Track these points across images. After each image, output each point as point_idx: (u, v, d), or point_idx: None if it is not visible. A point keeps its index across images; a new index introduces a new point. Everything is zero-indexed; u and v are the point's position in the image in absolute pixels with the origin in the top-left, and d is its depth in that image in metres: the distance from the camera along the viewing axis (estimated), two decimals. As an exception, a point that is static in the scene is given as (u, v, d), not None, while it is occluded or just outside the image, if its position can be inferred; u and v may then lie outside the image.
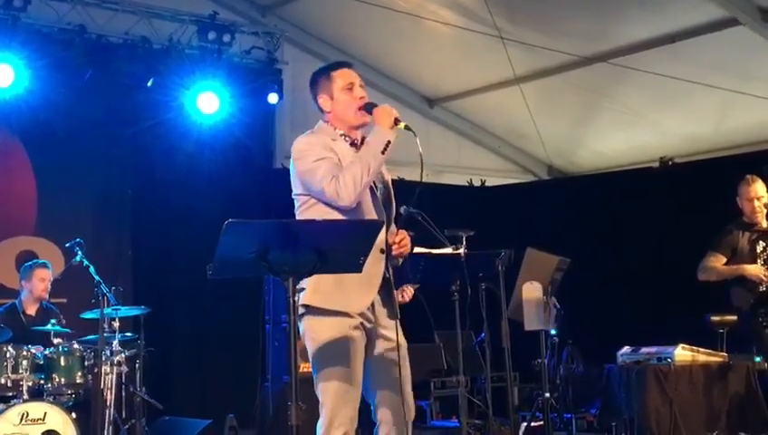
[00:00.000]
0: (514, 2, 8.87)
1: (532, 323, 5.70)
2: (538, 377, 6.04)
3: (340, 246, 3.29)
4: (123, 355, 6.77)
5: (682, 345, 6.28)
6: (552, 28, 9.05)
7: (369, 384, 3.70)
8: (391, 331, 3.73)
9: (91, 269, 6.71)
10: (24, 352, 6.32)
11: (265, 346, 7.90)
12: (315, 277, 3.52)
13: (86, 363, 6.57)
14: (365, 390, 3.69)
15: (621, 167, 10.86)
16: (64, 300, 7.47)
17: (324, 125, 3.84)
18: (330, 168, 3.61)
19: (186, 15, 8.84)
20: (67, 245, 6.92)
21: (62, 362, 6.47)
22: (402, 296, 6.29)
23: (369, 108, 3.75)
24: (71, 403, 6.47)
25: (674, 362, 6.14)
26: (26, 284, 7.06)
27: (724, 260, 6.23)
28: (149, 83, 8.54)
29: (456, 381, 6.36)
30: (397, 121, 3.66)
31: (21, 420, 5.97)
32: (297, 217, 3.74)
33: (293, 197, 3.79)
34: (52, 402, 6.20)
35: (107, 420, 6.47)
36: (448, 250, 5.42)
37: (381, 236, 3.58)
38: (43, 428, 6.03)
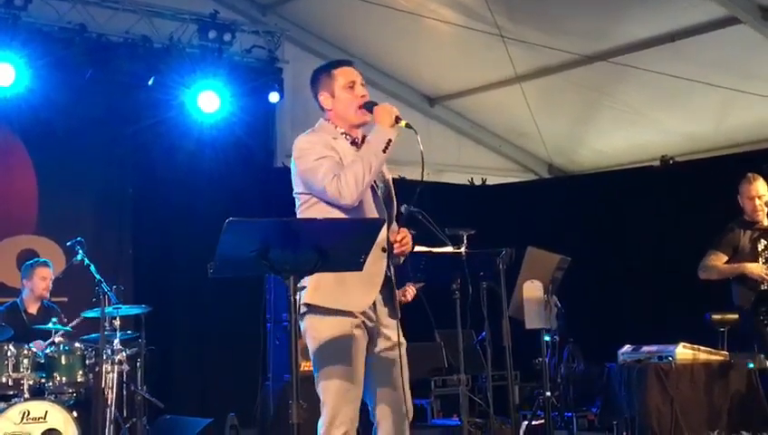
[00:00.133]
0: (515, 0, 8.87)
1: (532, 321, 5.70)
2: (539, 376, 6.04)
3: (340, 244, 3.29)
4: (124, 354, 6.77)
5: (683, 344, 6.28)
6: (553, 27, 9.05)
7: (368, 383, 3.70)
8: (392, 330, 3.73)
9: (92, 268, 6.71)
10: (25, 351, 6.33)
11: (266, 345, 7.90)
12: (316, 276, 3.52)
13: (87, 362, 6.57)
14: (364, 389, 3.69)
15: (622, 165, 10.86)
16: (65, 299, 7.47)
17: (325, 123, 3.84)
18: (331, 166, 3.61)
19: (186, 14, 8.84)
20: (68, 243, 6.92)
21: (63, 361, 6.47)
22: (404, 295, 6.30)
23: (369, 106, 3.75)
24: (72, 402, 6.47)
25: (675, 360, 6.13)
26: (27, 282, 7.06)
27: (726, 259, 6.22)
28: (150, 82, 8.54)
29: (456, 379, 6.36)
30: (397, 120, 3.66)
31: (22, 418, 5.97)
32: (298, 216, 3.74)
33: (294, 195, 3.79)
34: (53, 401, 6.21)
35: (108, 418, 6.48)
36: (449, 249, 5.43)
37: (382, 234, 3.58)
38: (44, 426, 6.03)
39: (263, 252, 3.17)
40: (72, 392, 6.54)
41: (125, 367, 6.77)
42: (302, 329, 3.67)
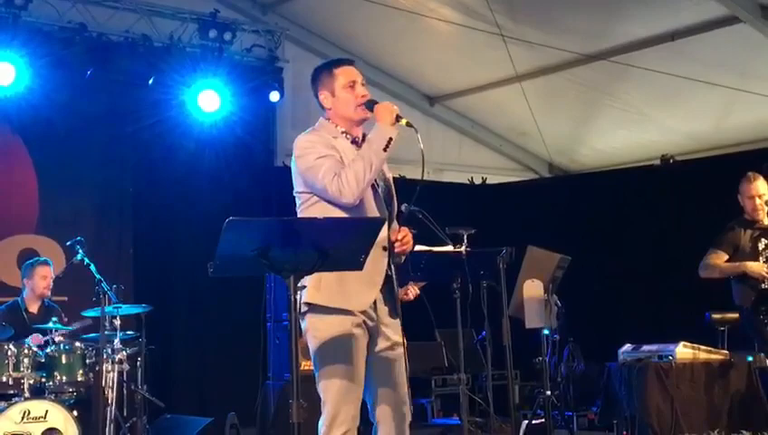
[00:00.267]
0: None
1: (532, 320, 5.70)
2: (539, 375, 6.04)
3: (341, 243, 3.29)
4: (124, 353, 6.77)
5: (683, 343, 6.28)
6: (553, 26, 9.05)
7: (368, 383, 3.70)
8: (393, 329, 3.72)
9: (92, 267, 6.71)
10: (26, 350, 6.32)
11: (266, 344, 7.91)
12: (317, 275, 3.52)
13: (87, 361, 6.57)
14: (364, 388, 3.68)
15: (622, 165, 10.86)
16: (65, 298, 7.47)
17: (325, 122, 3.84)
18: (332, 165, 3.61)
19: (186, 13, 8.84)
20: (68, 243, 6.92)
21: (64, 360, 6.48)
22: (407, 294, 6.29)
23: (370, 105, 3.75)
24: (72, 401, 6.48)
25: (675, 359, 6.13)
26: (28, 281, 7.06)
27: (726, 258, 6.21)
28: (150, 82, 8.54)
29: (457, 378, 6.36)
30: (398, 118, 3.66)
31: (22, 418, 5.97)
32: (299, 215, 3.74)
33: (295, 194, 3.78)
34: (53, 400, 6.21)
35: (108, 418, 6.47)
36: (449, 248, 5.43)
37: (383, 233, 3.58)
38: (45, 426, 6.03)
39: (263, 251, 3.17)
40: (73, 392, 6.54)
41: (125, 366, 6.76)
42: (302, 328, 3.67)
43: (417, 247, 4.25)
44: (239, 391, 8.33)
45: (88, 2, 8.36)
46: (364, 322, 3.65)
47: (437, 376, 8.50)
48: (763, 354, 6.08)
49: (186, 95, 8.74)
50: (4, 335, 6.42)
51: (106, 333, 6.49)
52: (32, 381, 6.32)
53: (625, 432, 6.25)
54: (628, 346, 6.59)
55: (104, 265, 7.06)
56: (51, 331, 6.60)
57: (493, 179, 11.10)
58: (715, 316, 7.04)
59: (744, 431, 5.73)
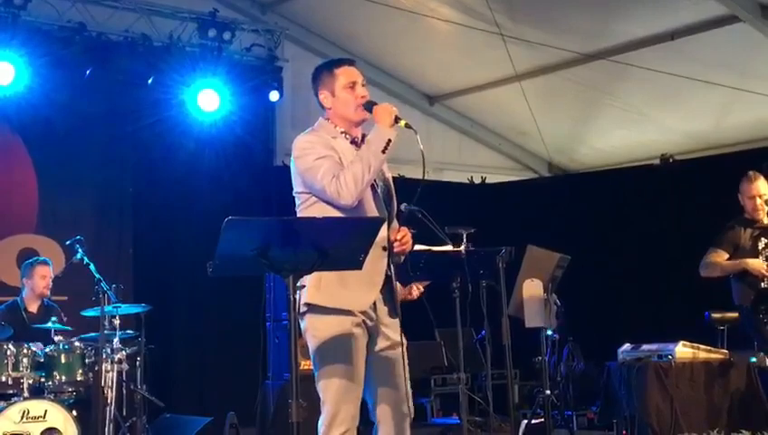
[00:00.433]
0: (515, -1, 8.89)
1: (532, 320, 5.70)
2: (539, 374, 6.04)
3: (340, 243, 3.29)
4: (124, 353, 6.76)
5: (683, 342, 6.28)
6: (553, 25, 9.05)
7: (368, 382, 3.70)
8: (392, 329, 3.72)
9: (92, 267, 6.71)
10: (25, 350, 6.32)
11: (266, 344, 7.91)
12: (316, 275, 3.52)
13: (87, 361, 6.56)
14: (364, 388, 3.68)
15: (622, 164, 10.87)
16: (65, 298, 7.47)
17: (324, 122, 3.84)
18: (331, 166, 3.61)
19: (186, 13, 8.84)
20: (67, 242, 6.92)
21: (63, 360, 6.47)
22: (410, 294, 6.29)
23: (369, 106, 3.75)
24: (71, 401, 6.47)
25: (675, 359, 6.13)
26: (27, 281, 7.06)
27: (727, 256, 6.19)
28: (150, 81, 8.54)
29: (456, 378, 6.36)
30: (397, 120, 3.66)
31: (22, 417, 5.96)
32: (298, 215, 3.74)
33: (294, 195, 3.78)
34: (52, 400, 6.20)
35: (108, 417, 6.47)
36: (449, 248, 5.42)
37: (383, 233, 3.58)
38: (44, 425, 6.02)
39: (262, 251, 3.17)
40: (72, 391, 6.53)
41: (125, 366, 6.76)
42: (302, 328, 3.67)
43: (417, 247, 4.25)
44: (239, 391, 8.33)
45: (87, 1, 8.36)
46: (364, 321, 3.65)
47: (437, 376, 8.50)
48: (762, 354, 6.08)
49: (185, 95, 8.74)
50: (3, 335, 6.41)
51: (105, 332, 6.49)
52: (31, 381, 6.31)
53: (624, 432, 6.25)
54: (627, 346, 6.58)
55: (104, 264, 7.06)
56: (51, 332, 6.59)
57: (492, 179, 11.10)
58: (715, 316, 7.04)
59: (743, 431, 5.73)
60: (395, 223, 3.85)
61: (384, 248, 3.66)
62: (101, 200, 8.67)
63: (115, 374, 6.61)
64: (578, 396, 7.81)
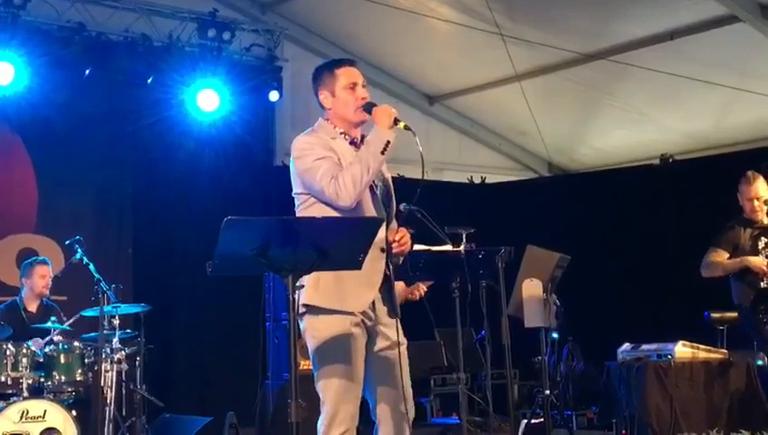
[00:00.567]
0: (515, -1, 8.89)
1: (532, 320, 5.70)
2: (538, 374, 6.04)
3: (339, 243, 3.29)
4: (123, 353, 6.76)
5: (682, 342, 6.28)
6: (552, 25, 9.05)
7: (368, 382, 3.70)
8: (391, 329, 3.72)
9: (91, 267, 6.71)
10: (24, 350, 6.31)
11: (266, 344, 7.90)
12: (315, 275, 3.52)
13: (86, 361, 6.56)
14: (364, 388, 3.69)
15: (622, 164, 10.87)
16: (65, 298, 7.47)
17: (324, 123, 3.83)
18: (330, 167, 3.61)
19: (185, 13, 8.84)
20: (67, 242, 6.92)
21: (62, 360, 6.47)
22: (413, 293, 6.29)
23: (368, 108, 3.74)
24: (71, 401, 6.47)
25: (674, 358, 6.13)
26: (27, 281, 7.06)
27: (727, 256, 6.16)
28: (149, 81, 8.53)
29: (456, 378, 6.37)
30: (396, 121, 3.65)
31: (21, 417, 5.96)
32: (297, 216, 3.74)
33: (294, 195, 3.78)
34: (52, 400, 6.20)
35: (107, 417, 6.46)
36: (448, 247, 5.43)
37: (381, 234, 3.58)
38: (44, 425, 6.02)
39: (262, 250, 3.17)
40: (72, 391, 6.53)
41: (124, 366, 6.75)
42: (301, 328, 3.67)
43: (417, 247, 4.25)
44: (238, 391, 8.33)
45: (87, 1, 8.36)
46: (363, 321, 3.65)
47: (437, 375, 8.50)
48: (762, 354, 6.08)
49: (185, 94, 8.74)
50: (2, 335, 6.41)
51: (105, 332, 6.49)
52: (30, 381, 6.31)
53: (624, 432, 6.25)
54: (627, 345, 6.58)
55: (103, 264, 7.06)
56: (50, 332, 6.59)
57: (492, 179, 11.11)
58: (715, 315, 7.04)
59: (743, 431, 5.73)
60: (394, 223, 3.85)
61: (382, 249, 3.66)
62: (101, 200, 8.67)
63: (114, 374, 6.61)
64: (577, 396, 7.81)
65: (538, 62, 9.65)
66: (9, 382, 6.25)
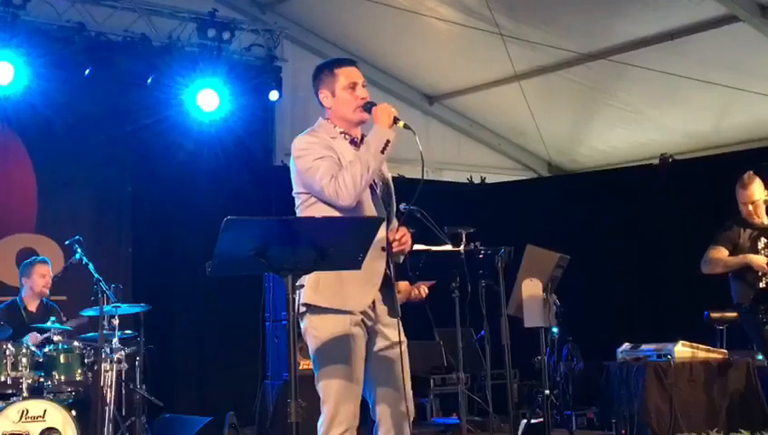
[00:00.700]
0: (514, -2, 8.88)
1: (532, 320, 5.70)
2: (538, 374, 6.04)
3: (339, 243, 3.29)
4: (123, 353, 6.76)
5: (682, 342, 6.29)
6: (552, 25, 9.05)
7: (368, 382, 3.70)
8: (392, 329, 3.72)
9: (91, 267, 6.71)
10: (24, 350, 6.31)
11: (265, 344, 7.91)
12: (316, 275, 3.52)
13: (86, 361, 6.56)
14: (364, 387, 3.69)
15: (621, 164, 10.87)
16: (64, 298, 7.46)
17: (324, 123, 3.83)
18: (329, 167, 3.61)
19: (185, 13, 8.83)
20: (67, 242, 6.92)
21: (62, 360, 6.46)
22: (416, 294, 6.30)
23: (368, 107, 3.75)
24: (70, 401, 6.46)
25: (674, 358, 6.15)
26: (27, 280, 7.05)
27: (727, 254, 6.14)
28: (149, 81, 8.53)
29: (456, 378, 6.37)
30: (396, 120, 3.65)
31: (21, 417, 5.96)
32: (298, 215, 3.74)
33: (294, 195, 3.78)
34: (51, 400, 6.20)
35: (107, 417, 6.47)
36: (448, 247, 5.43)
37: (382, 233, 3.58)
38: (43, 425, 6.02)
39: (261, 250, 3.16)
40: (71, 391, 6.53)
41: (124, 366, 6.76)
42: (302, 328, 3.67)
43: (417, 247, 4.25)
44: (238, 391, 8.33)
45: (87, 1, 8.36)
46: (363, 321, 3.65)
47: (436, 375, 8.50)
48: (762, 354, 6.09)
49: (184, 94, 8.74)
50: (2, 335, 6.41)
51: (105, 332, 6.49)
52: (30, 381, 6.30)
53: (624, 431, 6.26)
54: (626, 345, 6.59)
55: (103, 264, 7.05)
56: (50, 331, 6.59)
57: (492, 179, 11.11)
58: (714, 315, 7.05)
59: (742, 431, 5.73)
60: (394, 223, 3.85)
61: (383, 248, 3.65)
62: (101, 200, 8.66)
63: (114, 374, 6.61)
64: (577, 396, 7.82)
65: (538, 62, 9.65)
66: (9, 382, 6.25)
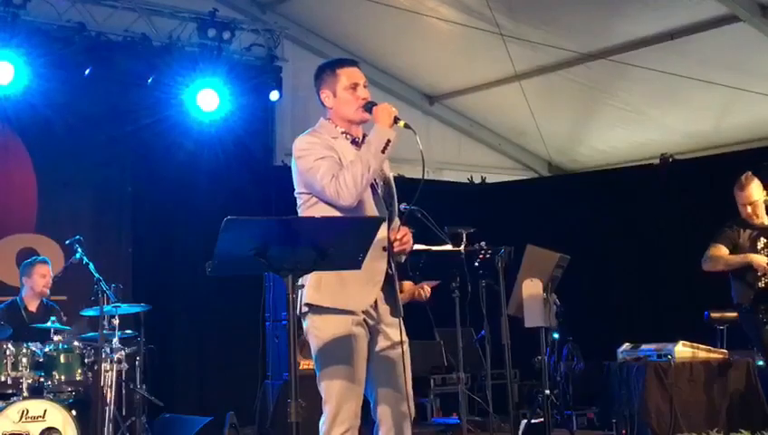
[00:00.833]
0: (515, -2, 8.88)
1: (532, 319, 5.70)
2: (538, 374, 6.05)
3: (339, 243, 3.29)
4: (123, 353, 6.76)
5: (682, 342, 6.29)
6: (553, 25, 9.05)
7: (369, 382, 3.70)
8: (394, 328, 3.72)
9: (91, 266, 6.71)
10: (24, 350, 6.31)
11: (265, 343, 7.91)
12: (317, 275, 3.53)
13: (86, 361, 6.56)
14: (366, 387, 3.69)
15: (622, 164, 10.87)
16: (65, 297, 7.46)
17: (325, 123, 3.84)
18: (330, 167, 3.61)
19: (185, 13, 8.83)
20: (67, 242, 6.92)
21: (62, 360, 6.45)
22: (419, 294, 6.30)
23: (369, 107, 3.75)
24: (71, 401, 6.46)
25: (674, 358, 6.14)
26: (27, 280, 7.05)
27: (727, 252, 6.14)
28: (149, 81, 8.53)
29: (456, 378, 6.37)
30: (396, 120, 3.66)
31: (21, 417, 5.96)
32: (299, 215, 3.74)
33: (296, 195, 3.79)
34: (52, 400, 6.19)
35: (107, 417, 6.47)
36: (448, 247, 5.43)
37: (383, 233, 3.58)
38: (43, 425, 6.01)
39: (261, 250, 3.16)
40: (71, 391, 6.53)
41: (124, 366, 6.76)
42: (304, 328, 3.67)
43: (417, 247, 4.25)
44: (238, 391, 8.33)
45: (87, 1, 8.35)
46: (365, 320, 3.66)
47: (437, 375, 8.49)
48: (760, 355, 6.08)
49: (185, 94, 8.74)
50: (2, 335, 6.40)
51: (105, 332, 6.49)
52: (30, 381, 6.30)
53: (624, 431, 6.26)
54: (627, 345, 6.59)
55: (103, 264, 7.05)
56: (50, 332, 6.59)
57: (492, 179, 11.11)
58: (714, 315, 7.04)
59: (742, 431, 5.73)
60: (396, 222, 3.85)
61: (384, 248, 3.66)
62: (101, 200, 8.66)
63: (114, 374, 6.61)
64: (578, 396, 7.81)
65: (538, 62, 9.65)
66: (9, 382, 6.24)
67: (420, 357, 7.88)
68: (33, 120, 8.07)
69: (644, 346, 6.42)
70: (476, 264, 5.60)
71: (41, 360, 6.42)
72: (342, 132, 3.79)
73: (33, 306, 7.05)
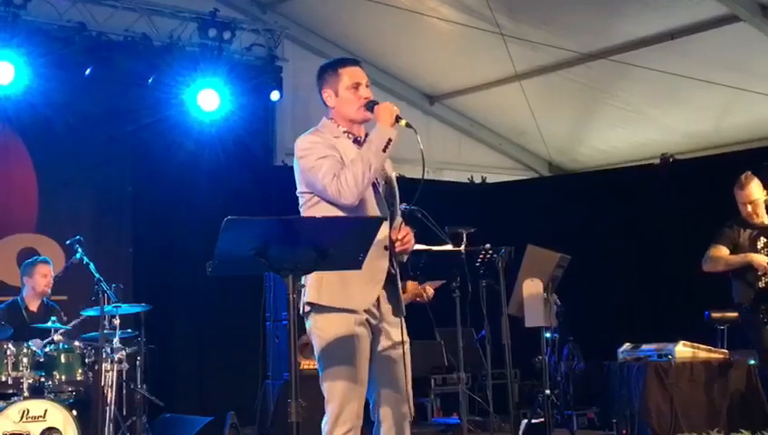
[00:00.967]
0: (515, -2, 8.88)
1: (532, 319, 5.71)
2: (539, 374, 6.05)
3: (339, 242, 3.29)
4: (124, 353, 6.76)
5: (683, 342, 6.29)
6: (553, 25, 9.05)
7: (370, 382, 3.70)
8: (395, 328, 3.72)
9: (91, 266, 6.71)
10: (25, 350, 6.31)
11: (266, 343, 7.91)
12: (318, 274, 3.53)
13: (87, 361, 6.56)
14: (367, 387, 3.69)
15: (622, 164, 10.87)
16: (65, 297, 7.46)
17: (327, 122, 3.84)
18: (332, 166, 3.61)
19: (186, 12, 8.83)
20: (67, 242, 6.92)
21: (63, 360, 6.46)
22: (421, 295, 6.29)
23: (370, 106, 3.75)
24: (71, 401, 6.46)
25: (674, 358, 6.14)
26: (28, 280, 7.05)
27: (728, 252, 6.15)
28: (150, 81, 8.53)
29: (456, 378, 6.37)
30: (398, 119, 3.66)
31: (21, 417, 5.96)
32: (301, 215, 3.74)
33: (298, 194, 3.79)
34: (52, 400, 6.19)
35: (108, 417, 6.47)
36: (449, 247, 5.43)
37: (385, 232, 3.58)
38: (44, 425, 6.01)
39: (262, 250, 3.16)
40: (72, 391, 6.53)
41: (124, 366, 6.76)
42: (306, 328, 3.67)
43: (417, 247, 4.25)
44: (239, 391, 8.33)
45: (87, 1, 8.35)
46: (367, 320, 3.66)
47: (437, 375, 8.49)
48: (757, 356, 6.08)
49: (185, 94, 8.74)
50: (3, 335, 6.41)
51: (105, 332, 6.49)
52: (31, 381, 6.30)
53: (624, 431, 6.26)
54: (627, 345, 6.59)
55: (103, 264, 7.05)
56: (50, 331, 6.59)
57: (492, 178, 11.11)
58: (715, 315, 7.04)
59: (743, 431, 5.73)
60: (398, 221, 3.85)
61: (386, 247, 3.66)
62: (101, 200, 8.66)
63: (115, 374, 6.61)
64: (578, 396, 7.81)
65: (538, 62, 9.65)
66: (10, 382, 6.24)
67: (421, 357, 7.88)
68: (34, 120, 8.07)
69: (644, 346, 6.42)
70: (477, 264, 5.60)
71: (41, 360, 6.41)
72: (344, 132, 3.79)
73: (33, 306, 7.05)
